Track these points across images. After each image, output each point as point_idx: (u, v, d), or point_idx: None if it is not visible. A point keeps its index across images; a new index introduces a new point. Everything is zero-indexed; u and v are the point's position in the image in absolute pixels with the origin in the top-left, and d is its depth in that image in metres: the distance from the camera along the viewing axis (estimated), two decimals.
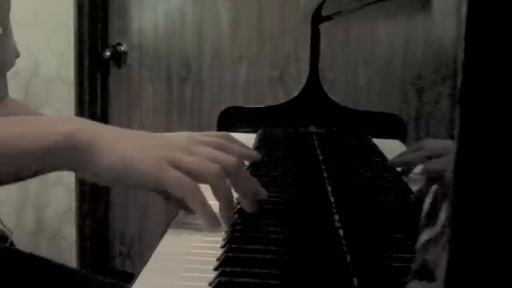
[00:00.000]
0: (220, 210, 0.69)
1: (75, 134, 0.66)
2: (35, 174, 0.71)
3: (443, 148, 0.48)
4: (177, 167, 0.67)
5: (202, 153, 0.70)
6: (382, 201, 0.78)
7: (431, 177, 0.46)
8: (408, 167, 0.80)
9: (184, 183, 0.66)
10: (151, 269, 0.60)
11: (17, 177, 0.72)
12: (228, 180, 0.70)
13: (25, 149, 0.67)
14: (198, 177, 0.67)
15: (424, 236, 0.36)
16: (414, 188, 0.66)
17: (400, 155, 0.81)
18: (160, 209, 2.38)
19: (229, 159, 0.71)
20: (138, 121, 2.40)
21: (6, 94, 1.12)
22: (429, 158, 0.56)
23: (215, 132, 1.05)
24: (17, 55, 1.09)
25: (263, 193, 0.74)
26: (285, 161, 1.00)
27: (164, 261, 0.62)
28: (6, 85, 1.11)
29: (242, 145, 0.98)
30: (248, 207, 0.72)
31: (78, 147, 0.66)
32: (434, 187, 0.37)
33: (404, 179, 0.76)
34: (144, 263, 0.61)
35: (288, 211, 0.74)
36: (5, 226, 2.42)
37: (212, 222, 0.68)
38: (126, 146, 0.67)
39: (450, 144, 0.32)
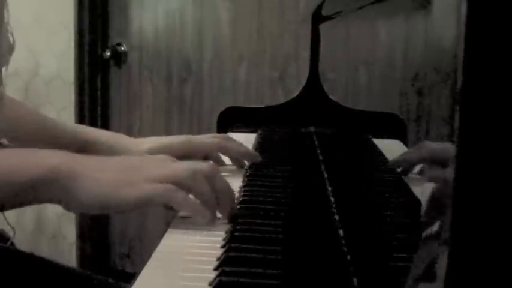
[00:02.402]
0: (205, 208, 0.71)
1: (58, 167, 0.69)
2: (21, 205, 0.74)
3: (443, 151, 0.48)
4: (149, 180, 0.70)
5: (175, 165, 0.73)
6: (382, 201, 0.78)
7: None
8: (407, 167, 0.80)
9: (158, 190, 0.69)
10: (151, 269, 0.60)
11: (2, 207, 0.74)
12: (203, 180, 0.71)
13: (11, 183, 0.70)
14: (171, 181, 0.70)
15: (424, 235, 0.36)
16: (414, 188, 0.66)
17: (400, 155, 0.81)
18: (160, 209, 2.37)
19: (203, 164, 0.74)
20: (138, 121, 2.40)
21: (3, 93, 1.11)
22: (429, 159, 0.56)
23: (212, 134, 1.05)
24: (11, 51, 1.08)
25: (233, 200, 0.75)
26: (284, 161, 1.00)
27: (164, 261, 0.62)
28: (1, 82, 1.11)
29: (241, 145, 0.98)
30: (206, 216, 0.71)
31: (61, 181, 0.69)
32: (434, 187, 0.37)
33: (404, 179, 0.76)
34: (144, 263, 0.61)
35: (288, 211, 0.74)
36: (8, 224, 2.41)
37: (199, 214, 0.70)
38: (103, 176, 0.70)
39: (450, 147, 0.32)
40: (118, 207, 0.71)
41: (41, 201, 0.72)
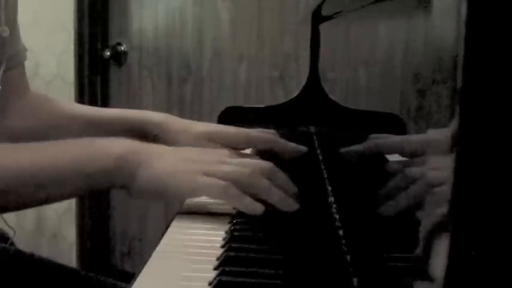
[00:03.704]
0: (277, 206, 0.72)
1: (124, 155, 0.74)
2: (83, 193, 0.80)
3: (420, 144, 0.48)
4: (208, 174, 0.73)
5: (234, 162, 0.76)
6: (382, 201, 0.78)
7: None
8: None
9: (215, 185, 0.71)
10: (152, 269, 0.60)
11: (66, 197, 0.79)
12: (264, 178, 0.73)
13: (78, 173, 0.74)
14: (233, 180, 0.72)
15: (424, 235, 0.36)
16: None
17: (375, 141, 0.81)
18: (160, 209, 2.38)
19: (261, 162, 0.77)
20: None
21: (28, 89, 1.12)
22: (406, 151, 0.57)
23: (260, 129, 1.05)
24: (25, 49, 1.09)
25: (292, 191, 0.75)
26: (284, 161, 1.00)
27: (164, 261, 0.62)
28: (25, 80, 1.12)
29: (290, 145, 0.98)
30: (287, 208, 0.73)
31: (126, 169, 0.73)
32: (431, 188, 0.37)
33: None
34: (144, 262, 0.61)
35: (287, 211, 0.74)
36: (7, 224, 2.41)
37: (255, 210, 0.71)
38: (164, 163, 0.74)
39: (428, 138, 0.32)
40: (174, 195, 0.75)
41: (107, 188, 0.76)
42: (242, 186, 0.72)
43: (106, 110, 1.07)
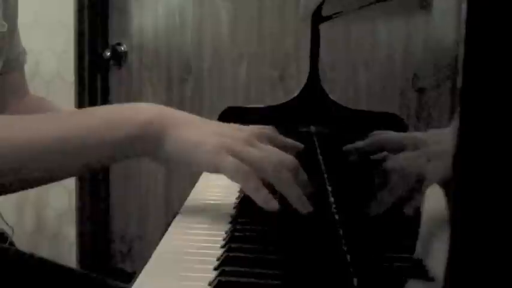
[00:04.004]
0: (293, 204, 0.71)
1: (150, 122, 0.72)
2: (109, 163, 0.77)
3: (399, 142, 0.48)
4: (235, 155, 0.71)
5: (263, 148, 0.74)
6: (382, 201, 0.78)
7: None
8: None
9: (238, 169, 0.70)
10: (152, 269, 0.59)
11: (90, 169, 0.76)
12: (289, 174, 0.72)
13: (103, 141, 0.71)
14: (257, 168, 0.71)
15: (425, 234, 0.36)
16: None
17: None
18: (160, 209, 2.38)
19: (288, 157, 0.75)
20: None
21: (27, 92, 1.13)
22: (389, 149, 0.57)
23: (259, 126, 1.04)
24: (25, 52, 1.10)
25: (307, 202, 0.74)
26: None
27: (164, 261, 0.62)
28: (24, 82, 1.12)
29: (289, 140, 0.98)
30: (301, 208, 0.72)
31: (153, 135, 0.72)
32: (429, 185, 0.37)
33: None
34: (144, 262, 0.61)
35: (287, 211, 0.74)
36: (7, 224, 2.41)
37: (269, 206, 0.70)
38: (192, 132, 0.73)
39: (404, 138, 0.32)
40: (198, 167, 0.73)
41: (134, 156, 0.74)
42: (265, 174, 0.71)
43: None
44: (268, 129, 0.97)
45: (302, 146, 0.92)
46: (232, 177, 0.71)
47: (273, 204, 0.70)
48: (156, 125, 0.72)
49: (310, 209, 0.72)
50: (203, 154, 0.71)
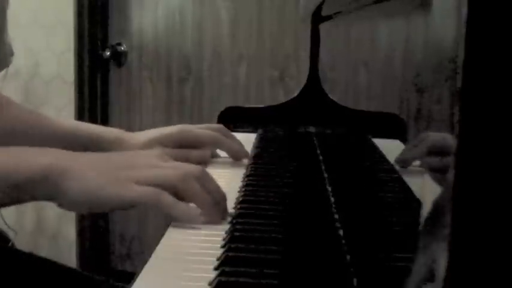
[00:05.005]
0: (204, 211, 0.71)
1: (49, 166, 0.71)
2: (12, 203, 0.75)
3: (442, 141, 0.48)
4: (139, 182, 0.70)
5: (165, 165, 0.74)
6: (382, 201, 0.78)
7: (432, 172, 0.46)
8: (407, 164, 0.81)
9: (147, 194, 0.70)
10: (151, 269, 0.59)
11: None
12: (195, 183, 0.72)
13: (3, 183, 0.71)
14: (161, 185, 0.71)
15: (425, 235, 0.36)
16: (413, 181, 0.66)
17: (400, 154, 0.81)
18: None
19: (193, 167, 0.74)
20: (138, 121, 2.40)
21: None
22: (429, 152, 0.56)
23: (208, 125, 1.06)
24: (12, 53, 1.08)
25: (224, 205, 0.74)
26: (284, 161, 1.00)
27: (164, 261, 0.62)
28: None
29: (234, 138, 1.00)
30: (196, 219, 0.71)
31: (52, 179, 0.70)
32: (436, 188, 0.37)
33: (403, 171, 0.77)
34: (144, 263, 0.61)
35: (288, 211, 0.74)
36: (8, 226, 2.42)
37: (192, 217, 0.70)
38: (92, 174, 0.71)
39: (449, 138, 0.32)
40: (105, 206, 0.72)
41: (33, 199, 0.73)
42: (174, 189, 0.71)
43: (65, 123, 1.04)
44: (216, 129, 0.99)
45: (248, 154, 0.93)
46: (146, 202, 0.70)
47: (194, 214, 0.70)
48: (56, 171, 0.71)
49: (224, 215, 0.72)
50: (109, 193, 0.70)
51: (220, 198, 0.74)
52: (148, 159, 0.76)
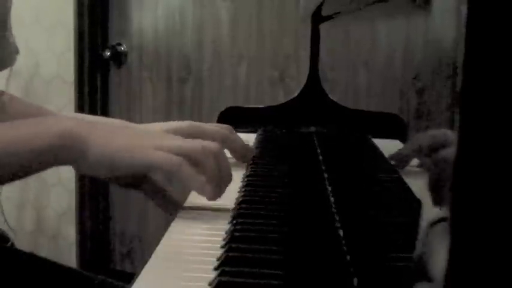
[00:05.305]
0: (207, 182, 0.73)
1: (69, 132, 0.72)
2: (34, 172, 0.75)
3: (440, 137, 0.48)
4: (162, 149, 0.72)
5: (186, 140, 0.76)
6: (382, 201, 0.78)
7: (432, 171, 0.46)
8: (405, 161, 0.81)
9: (169, 159, 0.71)
10: (151, 269, 0.60)
11: (16, 176, 0.76)
12: (212, 158, 0.74)
13: (25, 151, 0.72)
14: (182, 154, 0.72)
15: (425, 235, 0.36)
16: (411, 182, 0.66)
17: (397, 151, 0.81)
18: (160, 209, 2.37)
19: (212, 143, 0.76)
20: (138, 121, 2.39)
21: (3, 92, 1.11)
22: (424, 148, 0.56)
23: (217, 124, 1.06)
24: (17, 52, 1.08)
25: (230, 182, 0.76)
26: (285, 161, 1.00)
27: (164, 261, 0.62)
28: None
29: (241, 139, 1.00)
30: (210, 194, 0.74)
31: (72, 144, 0.71)
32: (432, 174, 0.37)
33: (401, 171, 0.77)
34: (144, 263, 0.61)
35: (288, 211, 0.74)
36: (9, 226, 2.42)
37: (204, 192, 0.73)
38: (115, 138, 0.73)
39: (448, 134, 0.32)
40: (126, 168, 0.73)
41: (54, 165, 0.74)
42: (194, 161, 0.72)
43: (68, 117, 1.04)
44: (227, 127, 1.01)
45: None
46: (167, 168, 0.71)
47: (208, 190, 0.72)
48: (76, 136, 0.72)
49: (218, 196, 0.74)
50: (132, 156, 0.72)
51: (227, 179, 0.75)
52: (168, 135, 0.78)
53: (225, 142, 1.02)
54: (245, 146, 1.02)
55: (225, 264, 0.58)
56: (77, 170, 0.74)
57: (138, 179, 0.83)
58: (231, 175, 0.76)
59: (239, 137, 1.03)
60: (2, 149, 0.72)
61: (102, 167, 0.73)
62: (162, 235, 0.69)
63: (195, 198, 0.79)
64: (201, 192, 0.73)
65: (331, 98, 1.25)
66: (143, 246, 2.45)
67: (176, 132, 0.98)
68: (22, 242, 2.46)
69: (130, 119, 2.48)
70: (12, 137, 0.73)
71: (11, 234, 2.37)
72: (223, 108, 1.33)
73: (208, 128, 1.01)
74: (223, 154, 0.76)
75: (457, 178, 0.28)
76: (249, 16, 2.20)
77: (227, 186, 0.76)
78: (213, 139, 1.01)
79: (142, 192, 0.86)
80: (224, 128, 1.03)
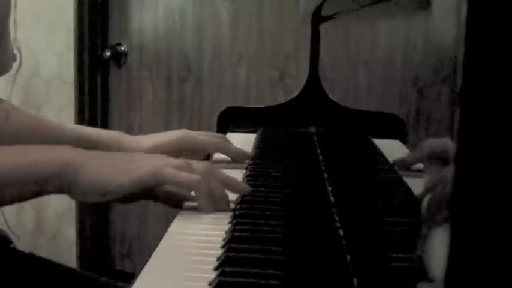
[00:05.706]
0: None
1: (67, 162, 0.76)
2: (31, 198, 0.80)
3: (443, 147, 0.48)
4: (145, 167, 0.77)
5: (171, 158, 0.79)
6: (382, 201, 0.78)
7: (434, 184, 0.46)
8: (408, 167, 0.81)
9: (150, 169, 0.75)
10: (151, 269, 0.60)
11: (15, 201, 0.81)
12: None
13: (24, 179, 0.76)
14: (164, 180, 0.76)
15: (425, 235, 0.36)
16: (413, 181, 0.66)
17: (401, 158, 0.82)
18: (160, 209, 2.37)
19: (200, 163, 0.79)
20: (138, 121, 2.40)
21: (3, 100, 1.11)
22: (430, 157, 0.56)
23: (212, 134, 1.07)
24: (14, 59, 1.08)
25: (227, 203, 0.78)
26: (284, 161, 1.00)
27: (164, 261, 0.62)
28: None
29: (236, 148, 1.01)
30: (205, 207, 0.76)
31: (68, 174, 0.76)
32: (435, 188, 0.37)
33: (404, 174, 0.77)
34: (144, 263, 0.61)
35: (288, 211, 0.74)
36: (11, 230, 2.41)
37: (193, 184, 0.75)
38: (102, 165, 0.77)
39: (451, 143, 0.32)
40: (114, 192, 0.76)
41: (49, 193, 0.78)
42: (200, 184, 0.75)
43: (67, 127, 1.06)
44: (220, 137, 1.02)
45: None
46: (150, 176, 0.75)
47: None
48: (72, 165, 0.76)
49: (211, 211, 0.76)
50: (117, 179, 0.75)
51: (222, 204, 0.77)
52: (155, 157, 0.82)
53: (220, 150, 1.03)
54: (239, 154, 1.03)
55: (225, 264, 0.58)
56: (71, 197, 0.78)
57: (148, 193, 0.86)
58: (225, 197, 0.78)
59: (233, 145, 1.04)
60: (7, 172, 0.76)
61: (93, 193, 0.77)
62: (162, 235, 0.69)
63: (195, 198, 0.79)
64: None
65: (331, 98, 1.25)
66: (143, 247, 2.45)
67: (167, 146, 1.00)
68: (22, 242, 2.46)
69: (130, 119, 2.49)
70: (11, 167, 0.77)
71: (12, 236, 2.36)
72: (223, 108, 1.33)
73: (200, 140, 1.02)
74: (213, 172, 0.78)
75: (457, 178, 0.28)
76: (249, 16, 2.20)
77: (224, 208, 0.77)
78: (205, 151, 1.03)
79: (159, 202, 0.90)
80: (218, 137, 1.05)
